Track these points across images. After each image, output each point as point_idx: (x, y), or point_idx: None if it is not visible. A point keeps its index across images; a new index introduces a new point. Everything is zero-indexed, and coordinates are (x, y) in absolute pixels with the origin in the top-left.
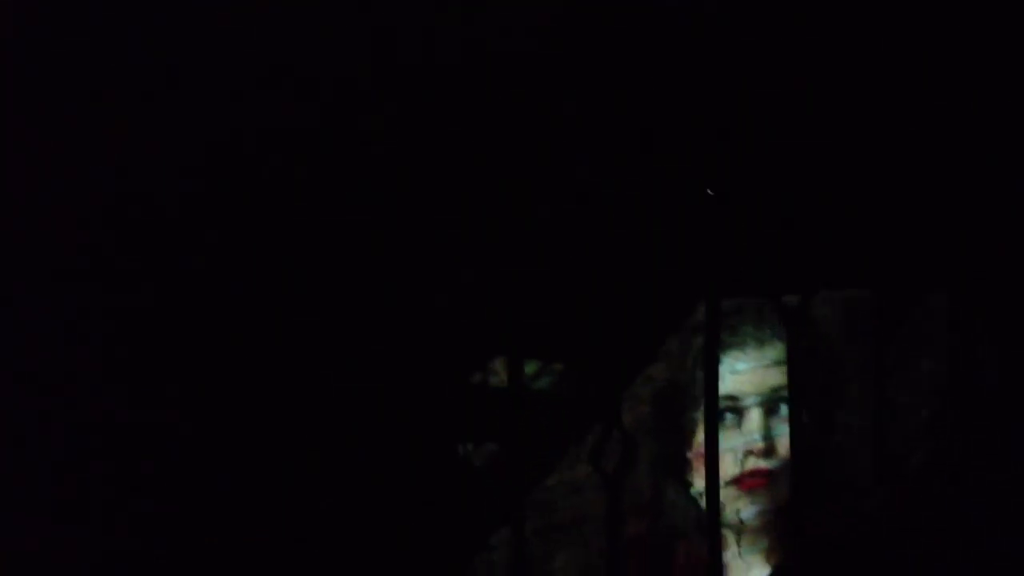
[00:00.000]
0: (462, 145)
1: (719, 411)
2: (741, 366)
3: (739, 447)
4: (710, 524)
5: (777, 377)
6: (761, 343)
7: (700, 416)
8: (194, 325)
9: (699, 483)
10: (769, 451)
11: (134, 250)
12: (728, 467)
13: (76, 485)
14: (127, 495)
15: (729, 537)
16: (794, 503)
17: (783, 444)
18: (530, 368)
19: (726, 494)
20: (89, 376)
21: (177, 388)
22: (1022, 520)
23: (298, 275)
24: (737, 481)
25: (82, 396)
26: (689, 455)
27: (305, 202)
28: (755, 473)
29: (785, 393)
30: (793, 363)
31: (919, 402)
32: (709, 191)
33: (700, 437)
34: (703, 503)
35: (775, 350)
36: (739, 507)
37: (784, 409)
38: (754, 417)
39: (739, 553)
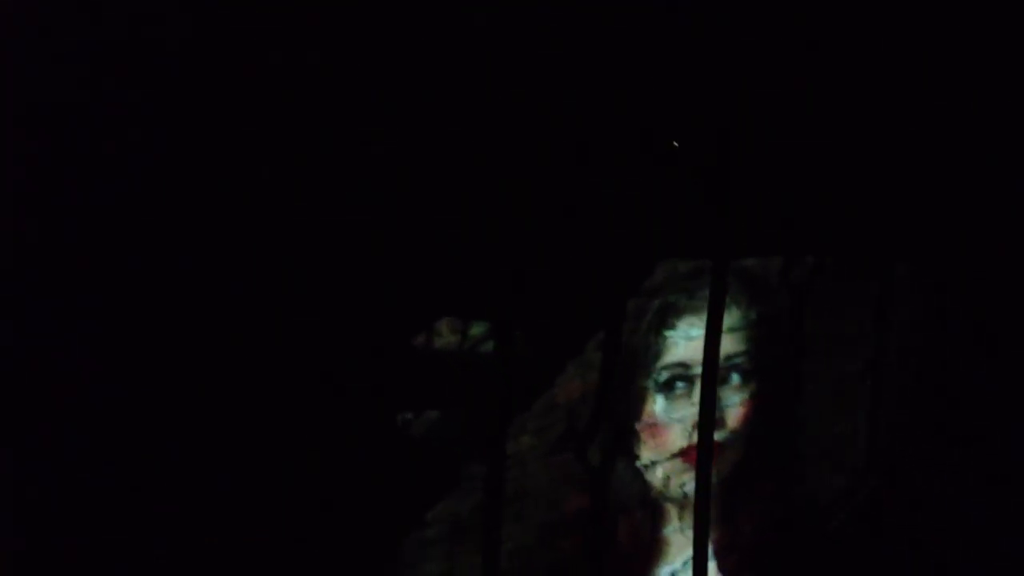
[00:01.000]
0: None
1: (669, 380)
2: (695, 332)
3: (688, 418)
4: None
5: (731, 345)
6: None
7: (651, 385)
8: None
9: (645, 455)
10: (719, 423)
11: None
12: (676, 439)
13: (74, 485)
14: (127, 495)
15: (671, 511)
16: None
17: (733, 416)
18: (476, 330)
19: (672, 467)
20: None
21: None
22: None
23: None
24: (684, 454)
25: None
26: (637, 426)
27: None
28: None
29: (738, 362)
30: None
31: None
32: (675, 143)
33: (650, 407)
34: (648, 477)
35: (731, 317)
36: (684, 480)
37: (736, 378)
38: None
39: (680, 528)
